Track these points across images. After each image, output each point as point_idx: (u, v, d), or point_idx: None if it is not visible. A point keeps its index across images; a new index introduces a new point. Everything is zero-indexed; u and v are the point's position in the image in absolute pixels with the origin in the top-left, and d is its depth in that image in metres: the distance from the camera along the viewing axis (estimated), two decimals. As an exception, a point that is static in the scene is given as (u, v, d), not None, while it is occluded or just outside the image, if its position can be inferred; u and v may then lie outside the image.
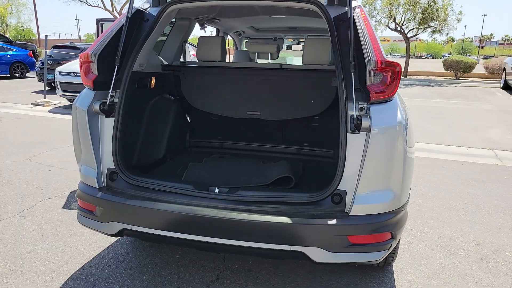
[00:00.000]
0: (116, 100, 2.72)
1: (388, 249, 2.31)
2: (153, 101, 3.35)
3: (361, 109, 2.30)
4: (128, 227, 2.51)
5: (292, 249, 2.26)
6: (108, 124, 2.70)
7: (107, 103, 2.66)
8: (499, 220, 4.15)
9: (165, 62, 3.66)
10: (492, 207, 4.51)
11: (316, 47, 3.33)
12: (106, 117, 2.70)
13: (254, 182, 2.85)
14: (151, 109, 3.29)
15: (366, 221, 2.24)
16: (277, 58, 3.83)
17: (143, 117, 3.21)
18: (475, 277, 3.08)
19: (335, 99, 3.50)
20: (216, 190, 2.52)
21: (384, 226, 2.26)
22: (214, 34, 5.46)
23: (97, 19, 6.96)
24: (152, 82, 3.32)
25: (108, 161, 2.69)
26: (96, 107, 2.64)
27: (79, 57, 2.79)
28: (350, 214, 2.27)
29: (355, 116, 2.26)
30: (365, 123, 2.22)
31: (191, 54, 6.61)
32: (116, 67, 2.71)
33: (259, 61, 4.02)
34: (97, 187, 2.65)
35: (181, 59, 4.13)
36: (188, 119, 4.18)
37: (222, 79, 3.69)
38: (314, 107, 3.55)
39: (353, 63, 2.31)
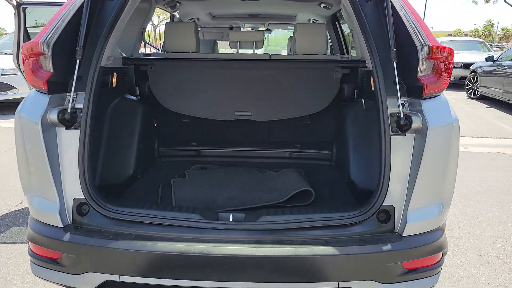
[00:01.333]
0: (79, 105, 2.01)
1: (440, 271, 2.00)
2: (114, 103, 2.64)
3: (403, 105, 1.92)
4: (114, 278, 1.86)
5: (340, 287, 1.83)
6: (70, 139, 1.99)
7: (69, 111, 1.94)
8: (474, 209, 4.18)
9: (124, 54, 2.94)
10: (462, 194, 4.56)
11: (310, 35, 2.92)
12: (66, 129, 1.98)
13: (265, 200, 2.35)
14: (113, 114, 2.58)
15: (423, 242, 1.89)
16: (262, 47, 3.34)
17: (107, 125, 2.50)
18: (485, 278, 2.96)
19: (339, 92, 3.13)
20: (231, 217, 1.98)
21: (438, 245, 1.93)
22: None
23: (17, 2, 5.67)
24: (113, 79, 2.61)
25: (73, 189, 1.99)
26: (53, 116, 1.91)
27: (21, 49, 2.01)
28: (403, 235, 1.90)
29: (401, 115, 1.86)
30: (416, 123, 1.85)
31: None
32: (78, 60, 1.99)
33: (241, 51, 3.48)
34: (61, 226, 1.94)
35: (142, 50, 3.42)
36: (155, 124, 3.50)
37: (202, 73, 3.08)
38: (314, 104, 3.13)
39: (394, 49, 1.92)
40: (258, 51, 3.80)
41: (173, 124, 3.49)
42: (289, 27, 5.96)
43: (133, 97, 3.04)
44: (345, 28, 4.54)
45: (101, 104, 2.24)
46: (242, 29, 5.72)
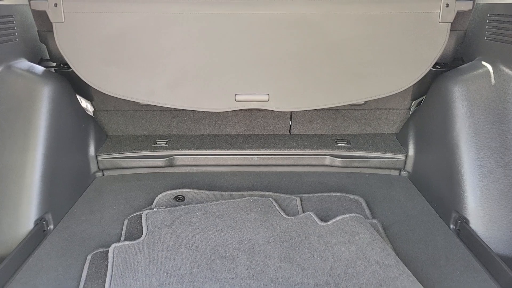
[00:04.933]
0: None
1: None
2: None
3: None
4: None
5: None
6: None
7: None
8: None
9: None
10: None
11: None
12: None
13: None
14: None
15: None
16: None
17: None
18: None
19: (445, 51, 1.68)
20: None
21: None
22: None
23: None
24: None
25: None
26: None
27: None
28: None
29: None
30: None
31: None
32: None
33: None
34: None
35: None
36: (90, 112, 2.06)
37: (168, 17, 1.57)
38: (395, 76, 1.63)
39: None
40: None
41: (125, 111, 2.07)
42: None
43: (36, 66, 1.61)
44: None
45: None
46: None
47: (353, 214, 1.42)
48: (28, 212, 1.40)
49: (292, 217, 1.49)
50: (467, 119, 1.49)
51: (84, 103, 2.07)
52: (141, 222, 1.49)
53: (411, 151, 1.93)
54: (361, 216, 1.43)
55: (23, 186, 1.42)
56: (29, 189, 1.42)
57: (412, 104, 2.06)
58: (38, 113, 1.51)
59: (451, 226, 1.49)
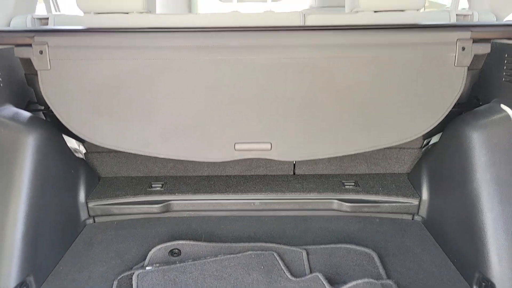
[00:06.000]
0: None
1: None
2: None
3: None
4: None
5: None
6: None
7: None
8: None
9: None
10: None
11: None
12: None
13: None
14: None
15: None
16: None
17: None
18: None
19: (468, 102, 1.61)
20: None
21: None
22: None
23: None
24: None
25: None
26: None
27: None
28: None
29: None
30: None
31: None
32: None
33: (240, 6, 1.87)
34: None
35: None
36: (81, 154, 1.94)
37: (162, 63, 1.45)
38: (408, 123, 1.51)
39: None
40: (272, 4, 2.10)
41: (118, 152, 1.93)
42: None
43: (21, 113, 1.50)
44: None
45: None
46: None
47: (366, 280, 1.28)
48: (7, 278, 1.27)
49: (298, 279, 1.35)
50: (488, 169, 1.36)
51: (76, 144, 1.95)
52: (132, 284, 1.35)
53: (424, 195, 1.79)
54: (375, 282, 1.29)
55: (2, 249, 1.29)
56: (9, 252, 1.29)
57: (424, 143, 1.94)
58: (21, 165, 1.39)
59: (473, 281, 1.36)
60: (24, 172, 1.39)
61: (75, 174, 1.77)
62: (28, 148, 1.41)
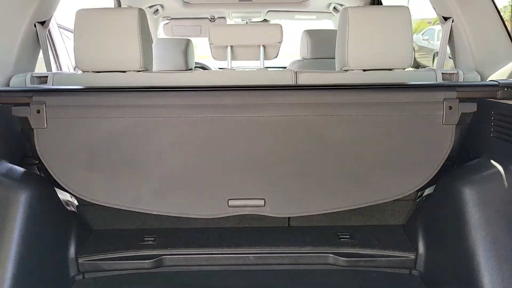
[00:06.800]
0: None
1: None
2: None
3: None
4: None
5: None
6: None
7: None
8: None
9: None
10: None
11: (377, 26, 1.46)
12: None
13: None
14: None
15: None
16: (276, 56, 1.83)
17: None
18: None
19: (458, 155, 1.63)
20: None
21: None
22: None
23: None
24: None
25: None
26: None
27: None
28: None
29: None
30: None
31: (67, 55, 3.47)
32: None
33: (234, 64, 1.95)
34: None
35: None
36: (75, 206, 1.92)
37: (157, 121, 1.51)
38: (397, 180, 1.53)
39: None
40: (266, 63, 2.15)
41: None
42: (296, 17, 4.13)
43: (15, 169, 1.50)
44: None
45: None
46: (229, 20, 3.88)
47: None
48: None
49: None
50: (482, 227, 1.36)
51: (68, 196, 1.94)
52: None
53: (421, 249, 1.77)
54: None
55: None
56: None
57: (418, 194, 1.94)
58: (12, 223, 1.38)
59: None
60: (15, 231, 1.37)
61: (66, 229, 1.75)
62: (20, 206, 1.40)
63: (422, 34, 12.26)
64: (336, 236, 1.89)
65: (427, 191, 1.90)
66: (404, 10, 1.69)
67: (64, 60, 3.36)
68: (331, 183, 1.49)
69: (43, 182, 1.60)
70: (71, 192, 1.46)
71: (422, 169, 1.47)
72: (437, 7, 1.99)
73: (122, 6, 3.03)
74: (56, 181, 1.69)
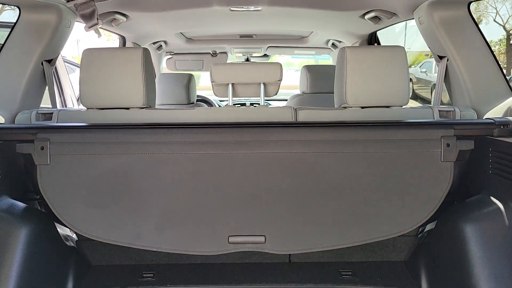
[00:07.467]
0: None
1: None
2: None
3: None
4: None
5: None
6: None
7: None
8: None
9: None
10: None
11: (374, 64, 1.52)
12: None
13: None
14: None
15: None
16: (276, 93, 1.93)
17: None
18: None
19: (458, 191, 1.64)
20: None
21: None
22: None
23: None
24: None
25: None
26: None
27: None
28: None
29: None
30: None
31: (71, 91, 3.51)
32: None
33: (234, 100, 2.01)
34: None
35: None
36: (74, 241, 1.91)
37: (158, 158, 1.53)
38: (397, 217, 1.54)
39: None
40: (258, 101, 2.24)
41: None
42: (296, 52, 4.28)
43: (16, 204, 1.51)
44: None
45: None
46: (230, 55, 3.99)
47: None
48: None
49: None
50: (485, 265, 1.35)
51: (68, 231, 1.93)
52: None
53: (424, 286, 1.74)
54: None
55: None
56: None
57: (420, 230, 1.93)
58: (12, 260, 1.37)
59: None
60: (14, 266, 1.36)
61: (65, 264, 1.73)
62: (20, 242, 1.40)
63: (420, 67, 12.49)
64: (338, 272, 1.87)
65: (428, 227, 1.89)
66: (400, 50, 1.75)
67: (68, 93, 3.43)
68: (331, 220, 1.49)
69: (43, 218, 1.61)
70: (70, 228, 1.46)
71: (422, 206, 1.47)
72: (432, 46, 2.06)
73: (127, 43, 3.12)
74: (56, 216, 1.69)
